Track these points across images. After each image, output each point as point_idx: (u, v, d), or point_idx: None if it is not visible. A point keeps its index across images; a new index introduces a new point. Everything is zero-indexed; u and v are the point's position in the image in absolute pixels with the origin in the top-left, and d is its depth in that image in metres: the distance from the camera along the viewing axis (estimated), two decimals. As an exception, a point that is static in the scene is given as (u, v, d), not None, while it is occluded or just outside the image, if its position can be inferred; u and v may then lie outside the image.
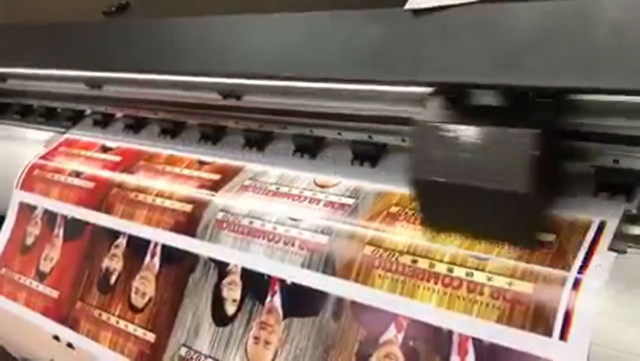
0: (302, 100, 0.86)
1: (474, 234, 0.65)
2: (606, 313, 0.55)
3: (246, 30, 0.85)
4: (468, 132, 0.60)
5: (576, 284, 0.57)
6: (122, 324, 0.92)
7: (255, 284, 0.79)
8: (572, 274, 0.58)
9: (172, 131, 1.08)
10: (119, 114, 1.19)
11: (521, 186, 0.58)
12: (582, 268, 0.58)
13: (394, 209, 0.73)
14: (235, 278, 0.81)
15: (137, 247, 0.93)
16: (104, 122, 1.21)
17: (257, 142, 0.95)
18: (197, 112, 1.03)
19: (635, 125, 0.60)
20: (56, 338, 1.00)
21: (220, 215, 0.85)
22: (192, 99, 1.01)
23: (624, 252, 0.58)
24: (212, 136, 1.01)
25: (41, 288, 1.06)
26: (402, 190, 0.75)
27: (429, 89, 0.67)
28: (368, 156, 0.82)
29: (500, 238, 0.64)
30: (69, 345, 0.98)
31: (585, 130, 0.63)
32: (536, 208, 0.62)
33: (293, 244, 0.77)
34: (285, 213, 0.80)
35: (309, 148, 0.88)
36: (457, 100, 0.64)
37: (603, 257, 0.58)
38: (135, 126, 1.14)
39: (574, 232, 0.62)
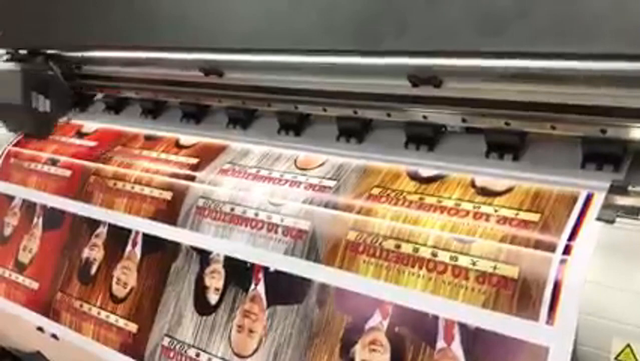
0: (286, 76, 0.84)
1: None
2: (595, 283, 0.54)
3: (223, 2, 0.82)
4: None
5: (562, 264, 0.56)
6: (103, 315, 0.90)
7: (239, 273, 0.77)
8: (557, 255, 0.57)
9: (153, 111, 1.05)
10: (99, 95, 1.16)
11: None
12: (568, 247, 0.57)
13: (375, 191, 0.71)
14: (218, 266, 0.79)
15: (118, 236, 0.91)
16: (84, 103, 1.18)
17: (241, 120, 0.93)
18: (179, 91, 1.00)
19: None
20: (40, 329, 0.98)
21: (200, 202, 0.83)
22: (174, 77, 0.98)
23: (612, 221, 0.57)
24: (195, 115, 0.99)
25: (21, 279, 1.04)
26: (385, 167, 0.73)
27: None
28: (354, 131, 0.80)
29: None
30: (54, 336, 0.96)
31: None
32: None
33: (276, 231, 0.75)
34: (267, 197, 0.78)
35: (294, 125, 0.86)
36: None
37: (589, 234, 0.57)
38: (116, 107, 1.12)
39: (559, 208, 0.60)
